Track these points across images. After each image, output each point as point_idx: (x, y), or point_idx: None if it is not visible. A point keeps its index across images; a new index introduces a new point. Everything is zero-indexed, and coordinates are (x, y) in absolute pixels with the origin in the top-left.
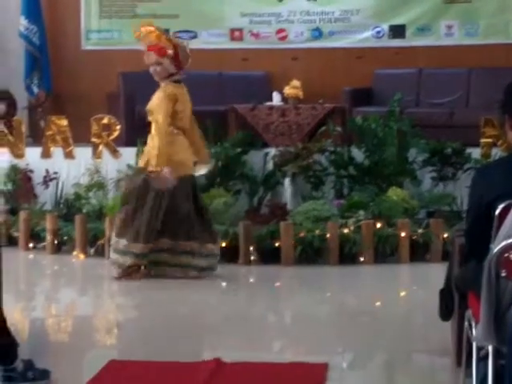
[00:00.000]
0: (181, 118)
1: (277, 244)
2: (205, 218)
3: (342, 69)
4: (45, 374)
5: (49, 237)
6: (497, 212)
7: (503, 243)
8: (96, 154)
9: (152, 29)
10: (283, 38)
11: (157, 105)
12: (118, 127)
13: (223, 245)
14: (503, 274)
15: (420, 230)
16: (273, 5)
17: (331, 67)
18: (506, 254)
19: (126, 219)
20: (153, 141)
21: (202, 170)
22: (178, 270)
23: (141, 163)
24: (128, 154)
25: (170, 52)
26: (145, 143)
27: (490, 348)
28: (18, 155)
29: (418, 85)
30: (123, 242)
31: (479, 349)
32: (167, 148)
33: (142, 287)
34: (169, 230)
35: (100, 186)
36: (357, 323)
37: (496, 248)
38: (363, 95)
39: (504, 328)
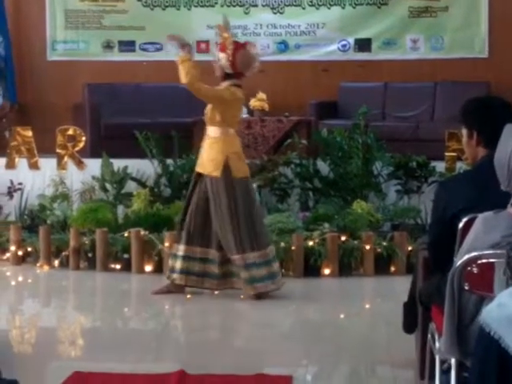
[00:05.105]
0: (235, 122)
1: None
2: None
3: (308, 82)
4: None
5: (13, 248)
6: (460, 225)
7: (466, 256)
8: (61, 165)
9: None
10: None
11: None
12: (83, 138)
13: None
14: (466, 287)
15: (384, 243)
16: (239, 17)
17: (297, 80)
18: (469, 268)
19: None
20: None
21: None
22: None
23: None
24: (93, 165)
25: (229, 51)
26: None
27: (453, 361)
28: None
29: (384, 98)
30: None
31: (442, 362)
32: (224, 146)
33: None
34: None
35: (65, 197)
36: (321, 336)
37: (459, 261)
38: (329, 108)
39: (467, 341)
